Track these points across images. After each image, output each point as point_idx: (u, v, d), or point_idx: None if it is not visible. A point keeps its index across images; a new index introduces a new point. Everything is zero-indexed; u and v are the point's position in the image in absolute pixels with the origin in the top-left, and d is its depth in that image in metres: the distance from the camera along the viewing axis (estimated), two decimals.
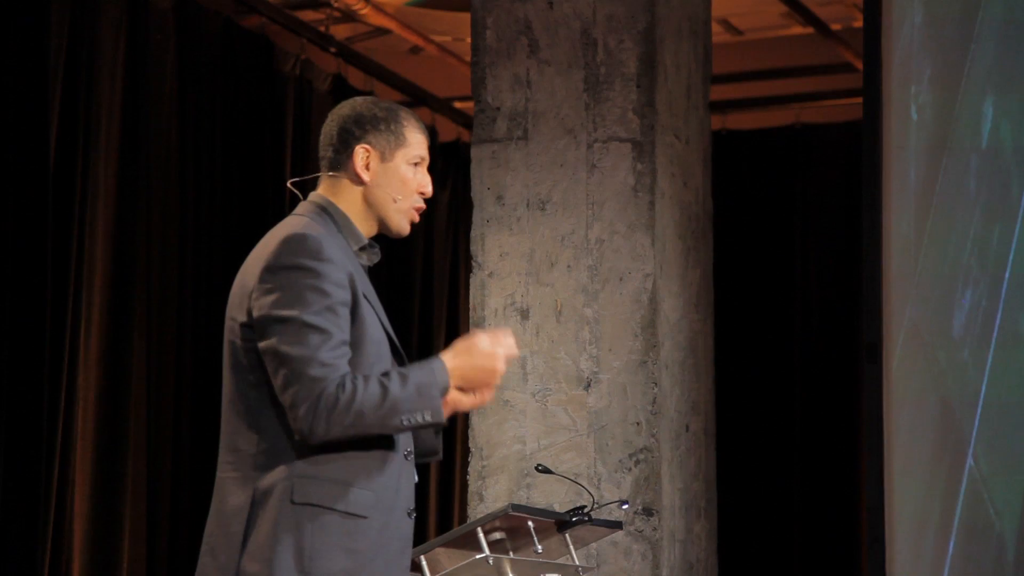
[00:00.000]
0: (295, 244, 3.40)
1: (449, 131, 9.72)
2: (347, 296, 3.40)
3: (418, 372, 3.39)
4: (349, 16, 8.64)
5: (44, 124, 6.93)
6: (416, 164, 3.58)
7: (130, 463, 7.22)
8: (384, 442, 3.43)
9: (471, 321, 6.05)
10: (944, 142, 5.87)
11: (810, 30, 8.72)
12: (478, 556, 4.48)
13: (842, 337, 9.06)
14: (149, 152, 7.43)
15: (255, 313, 3.39)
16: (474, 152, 6.08)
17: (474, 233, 6.06)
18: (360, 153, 3.54)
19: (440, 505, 9.56)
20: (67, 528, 7.00)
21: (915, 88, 5.94)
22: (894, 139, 5.93)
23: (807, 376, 9.28)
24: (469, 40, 6.24)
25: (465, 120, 9.50)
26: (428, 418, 3.38)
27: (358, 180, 3.55)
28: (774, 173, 9.41)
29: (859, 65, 7.51)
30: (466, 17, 6.32)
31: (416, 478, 3.55)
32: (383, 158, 3.55)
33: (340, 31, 8.75)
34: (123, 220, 7.27)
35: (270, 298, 3.37)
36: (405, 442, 3.48)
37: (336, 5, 8.46)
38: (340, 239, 3.50)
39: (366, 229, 3.58)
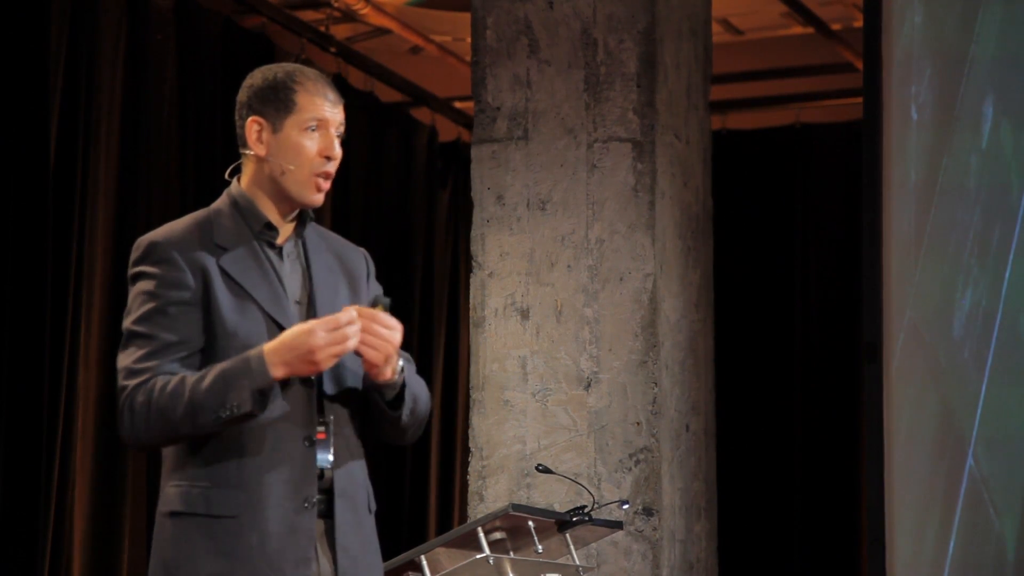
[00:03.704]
0: (134, 252, 3.41)
1: (449, 131, 9.72)
2: (185, 295, 3.32)
3: (229, 363, 3.25)
4: (349, 16, 8.64)
5: (44, 124, 6.93)
6: (313, 129, 3.41)
7: (130, 463, 7.22)
8: (265, 434, 3.30)
9: (471, 321, 6.05)
10: (944, 142, 5.87)
11: (810, 30, 8.73)
12: (478, 556, 4.48)
13: (842, 337, 9.06)
14: (149, 152, 7.43)
15: None
16: (474, 152, 6.08)
17: (474, 233, 6.06)
18: (252, 127, 3.44)
19: (440, 505, 9.56)
20: (67, 528, 7.00)
21: (915, 88, 5.94)
22: (894, 139, 5.93)
23: (807, 376, 9.28)
24: (469, 40, 6.24)
25: (465, 120, 9.50)
26: (238, 411, 3.23)
27: (255, 155, 3.44)
28: (774, 173, 9.42)
29: (859, 65, 7.51)
30: (466, 17, 6.32)
31: (327, 463, 3.36)
32: (274, 128, 3.41)
33: (340, 31, 8.75)
34: (123, 220, 7.27)
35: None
36: (303, 427, 3.33)
37: (336, 5, 8.46)
38: (239, 224, 3.42)
39: (274, 205, 3.45)
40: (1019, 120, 5.81)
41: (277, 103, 3.41)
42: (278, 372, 3.25)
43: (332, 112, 3.43)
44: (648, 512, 5.78)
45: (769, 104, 9.49)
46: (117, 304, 7.24)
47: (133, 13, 7.35)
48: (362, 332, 3.29)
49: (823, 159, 9.35)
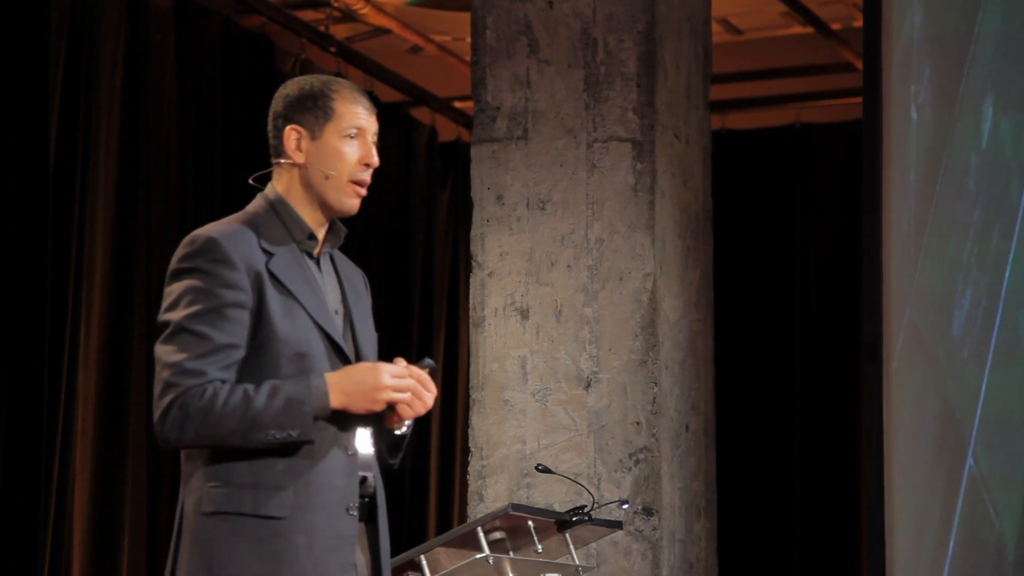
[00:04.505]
0: (188, 247, 3.37)
1: (449, 131, 9.72)
2: (242, 297, 3.31)
3: (292, 387, 3.29)
4: (349, 16, 8.64)
5: (44, 124, 6.93)
6: (353, 136, 3.46)
7: (130, 463, 7.22)
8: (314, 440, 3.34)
9: (471, 321, 6.05)
10: (944, 142, 5.87)
11: (810, 30, 8.73)
12: (478, 556, 4.48)
13: (842, 337, 9.06)
14: (149, 152, 7.43)
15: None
16: (474, 152, 6.08)
17: (474, 233, 6.06)
18: (290, 135, 3.45)
19: (440, 505, 9.56)
20: (67, 528, 7.00)
21: (915, 88, 5.94)
22: (894, 139, 5.93)
23: (807, 376, 9.28)
24: (469, 40, 6.24)
25: (465, 120, 9.50)
26: (295, 436, 3.27)
27: (293, 163, 3.45)
28: (774, 173, 9.42)
29: (859, 65, 7.51)
30: (466, 17, 6.32)
31: (368, 471, 3.43)
32: (313, 136, 3.44)
33: (340, 31, 8.75)
34: (123, 220, 7.27)
35: (164, 303, 3.35)
36: (345, 437, 3.37)
37: (336, 5, 8.46)
38: (280, 231, 3.42)
39: (313, 214, 3.47)
40: (1019, 120, 5.81)
41: (316, 111, 3.45)
42: (336, 402, 3.32)
43: (368, 120, 3.50)
44: (648, 512, 5.78)
45: (769, 104, 9.49)
46: (117, 304, 7.24)
47: (133, 13, 7.35)
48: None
49: (823, 159, 9.35)
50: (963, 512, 5.69)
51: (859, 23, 7.28)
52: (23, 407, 6.81)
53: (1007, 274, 5.74)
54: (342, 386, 3.31)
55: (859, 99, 6.12)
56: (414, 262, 9.37)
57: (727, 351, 7.21)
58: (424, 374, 3.40)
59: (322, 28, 8.60)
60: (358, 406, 3.33)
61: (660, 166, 5.93)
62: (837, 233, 9.18)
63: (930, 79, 5.92)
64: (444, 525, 9.39)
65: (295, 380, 3.30)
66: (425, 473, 9.40)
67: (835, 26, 8.71)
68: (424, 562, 4.51)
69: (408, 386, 3.35)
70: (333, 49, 8.65)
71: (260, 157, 9.03)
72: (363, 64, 8.92)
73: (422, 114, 9.49)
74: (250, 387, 3.28)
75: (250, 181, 3.58)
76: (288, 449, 3.31)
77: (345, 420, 3.37)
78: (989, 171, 5.83)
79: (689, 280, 6.14)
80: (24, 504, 6.80)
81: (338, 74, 8.57)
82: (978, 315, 5.77)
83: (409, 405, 3.37)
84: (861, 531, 8.81)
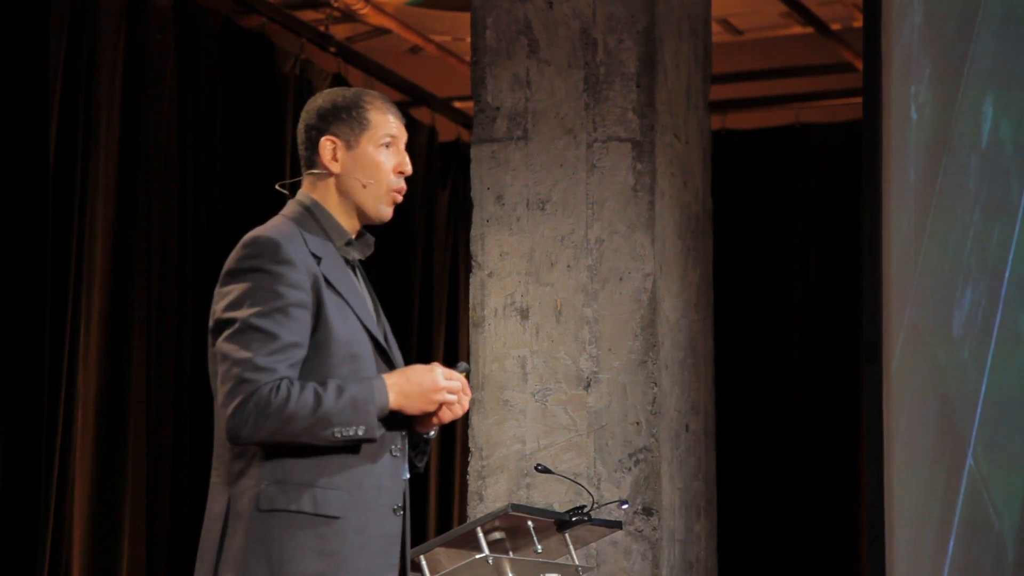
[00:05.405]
0: (251, 247, 3.40)
1: (449, 131, 9.72)
2: (304, 297, 3.37)
3: (356, 386, 3.36)
4: (349, 16, 8.64)
5: (44, 124, 6.93)
6: (387, 145, 3.52)
7: (130, 463, 7.22)
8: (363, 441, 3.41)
9: (471, 321, 6.05)
10: (944, 142, 5.87)
11: (810, 30, 8.73)
12: (478, 556, 4.48)
13: (842, 337, 9.06)
14: (149, 152, 7.43)
15: (212, 317, 3.42)
16: (474, 152, 6.08)
17: (474, 233, 6.06)
18: (326, 146, 3.51)
19: (440, 505, 9.56)
20: (67, 528, 7.00)
21: (915, 88, 5.94)
22: (894, 139, 5.93)
23: (807, 376, 9.28)
24: (469, 40, 6.24)
25: (465, 120, 9.50)
26: (361, 433, 3.34)
27: (329, 172, 3.52)
28: (774, 173, 9.42)
29: (859, 65, 7.51)
30: (466, 17, 6.32)
31: (407, 475, 3.52)
32: (349, 146, 3.51)
33: (340, 31, 8.75)
34: (123, 220, 7.27)
35: (224, 301, 3.38)
36: (391, 439, 3.44)
37: (336, 5, 8.46)
38: (321, 237, 3.48)
39: (349, 221, 3.54)
40: (1019, 120, 5.80)
41: (351, 121, 3.51)
42: (394, 403, 3.39)
43: (399, 129, 3.56)
44: (648, 512, 5.78)
45: (769, 104, 9.49)
46: (117, 304, 7.24)
47: (133, 13, 7.35)
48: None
49: (823, 159, 9.35)
50: (963, 512, 5.69)
51: (859, 23, 7.28)
52: (23, 407, 6.81)
53: (1007, 274, 5.74)
54: (400, 387, 3.39)
55: (859, 99, 6.12)
56: (414, 262, 9.36)
57: (727, 351, 7.21)
58: (463, 378, 3.48)
59: (322, 28, 8.60)
60: (414, 407, 3.41)
61: (660, 166, 5.93)
62: (837, 233, 9.19)
63: (930, 79, 5.91)
64: (444, 525, 9.39)
65: (356, 380, 3.37)
66: (425, 473, 9.40)
67: (835, 26, 8.71)
68: (424, 562, 4.51)
69: (457, 388, 3.44)
70: (333, 49, 8.65)
71: (260, 157, 9.04)
72: (363, 64, 8.93)
73: (422, 114, 9.49)
74: (318, 386, 3.34)
75: (277, 187, 3.64)
76: (342, 449, 3.37)
77: (393, 421, 3.43)
78: (989, 171, 5.83)
79: (689, 280, 6.14)
80: (24, 504, 6.81)
81: (337, 74, 8.57)
82: (978, 314, 5.77)
83: (450, 410, 3.46)
84: (861, 531, 8.81)
